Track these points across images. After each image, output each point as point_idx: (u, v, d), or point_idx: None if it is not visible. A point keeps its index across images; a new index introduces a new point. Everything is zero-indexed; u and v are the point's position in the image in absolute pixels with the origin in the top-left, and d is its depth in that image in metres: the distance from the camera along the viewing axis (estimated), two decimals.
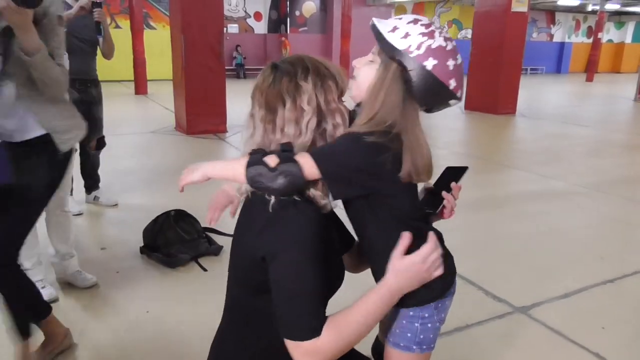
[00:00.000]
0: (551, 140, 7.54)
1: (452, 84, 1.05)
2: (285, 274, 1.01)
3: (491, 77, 9.64)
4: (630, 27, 24.94)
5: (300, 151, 1.03)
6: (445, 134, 7.90)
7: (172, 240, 3.11)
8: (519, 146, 7.42)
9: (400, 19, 1.07)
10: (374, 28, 1.07)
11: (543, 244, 3.48)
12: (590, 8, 21.50)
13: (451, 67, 1.04)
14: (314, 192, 1.05)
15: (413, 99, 1.06)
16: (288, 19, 17.57)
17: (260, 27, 17.81)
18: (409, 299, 1.12)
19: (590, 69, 19.38)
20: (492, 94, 9.70)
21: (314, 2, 17.92)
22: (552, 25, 23.80)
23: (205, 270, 2.92)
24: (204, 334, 2.27)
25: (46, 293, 2.51)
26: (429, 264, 1.08)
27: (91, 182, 4.03)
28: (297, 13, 17.75)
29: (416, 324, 1.18)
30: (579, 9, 22.54)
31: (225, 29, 9.34)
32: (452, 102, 1.10)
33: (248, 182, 1.03)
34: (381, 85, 1.05)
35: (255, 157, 1.02)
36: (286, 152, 1.02)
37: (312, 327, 1.00)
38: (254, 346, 1.16)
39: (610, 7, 19.99)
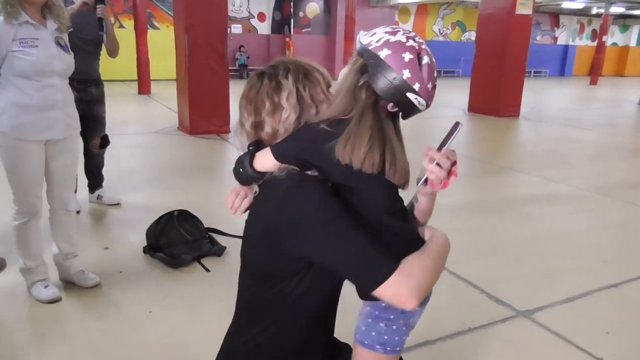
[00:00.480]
0: (555, 143, 7.53)
1: (406, 74, 1.05)
2: (329, 238, 1.03)
3: (495, 79, 9.63)
4: (635, 31, 24.90)
5: None
6: None
7: (175, 240, 3.11)
8: (522, 149, 7.41)
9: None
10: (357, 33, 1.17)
11: (546, 248, 3.47)
12: (595, 11, 21.47)
13: (406, 59, 1.06)
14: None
15: (371, 90, 1.08)
16: (292, 20, 17.58)
17: (264, 28, 17.83)
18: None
19: (594, 72, 19.33)
20: (496, 97, 9.68)
21: (318, 3, 17.92)
22: (556, 28, 23.77)
23: (208, 270, 2.92)
24: (207, 335, 2.27)
25: (49, 292, 2.52)
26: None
27: (95, 181, 4.02)
28: (301, 14, 17.76)
29: (381, 324, 1.20)
30: (584, 12, 22.50)
31: (228, 29, 9.34)
32: (412, 96, 1.07)
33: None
34: (344, 77, 1.12)
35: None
36: (251, 148, 1.14)
37: (386, 263, 1.02)
38: (265, 345, 1.16)
39: (615, 10, 19.96)
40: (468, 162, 6.29)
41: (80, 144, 3.48)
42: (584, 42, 24.59)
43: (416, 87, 1.06)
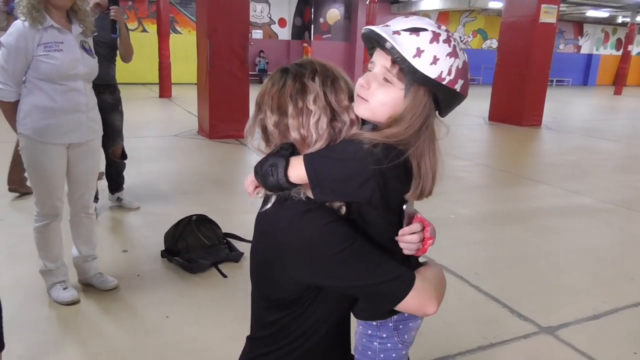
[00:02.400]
0: (578, 154, 7.39)
1: (468, 90, 1.05)
2: (345, 264, 1.00)
3: (517, 88, 9.51)
4: None
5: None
6: (468, 145, 7.80)
7: (193, 245, 3.11)
8: (544, 159, 7.28)
9: (415, 33, 0.97)
10: (384, 43, 0.97)
11: (570, 262, 3.38)
12: (620, 20, 21.12)
13: (469, 78, 1.03)
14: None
15: (435, 117, 1.04)
16: (312, 26, 17.64)
17: (285, 34, 17.92)
18: (362, 312, 1.14)
19: (618, 82, 19.00)
20: (518, 106, 9.56)
21: (339, 9, 17.96)
22: (579, 37, 23.44)
23: (225, 276, 2.90)
24: (223, 341, 2.26)
25: (68, 294, 2.53)
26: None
27: (115, 184, 4.02)
28: (321, 20, 17.81)
29: (375, 343, 1.16)
30: (609, 21, 22.16)
31: (250, 34, 9.39)
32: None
33: (254, 169, 1.05)
34: (410, 112, 0.99)
35: (272, 150, 1.05)
36: (286, 150, 1.02)
37: (404, 277, 1.02)
38: None
39: None
40: (489, 172, 6.20)
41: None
42: (608, 51, 24.19)
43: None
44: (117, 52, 3.63)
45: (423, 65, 0.96)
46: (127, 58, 3.59)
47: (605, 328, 2.56)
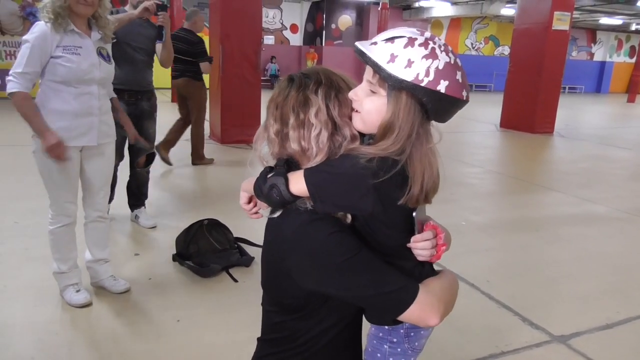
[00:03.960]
0: (590, 161, 7.32)
1: (465, 93, 1.01)
2: (349, 274, 1.00)
3: (529, 95, 9.46)
4: None
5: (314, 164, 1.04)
6: (480, 151, 7.77)
7: (204, 249, 3.12)
8: (556, 167, 7.22)
9: (391, 41, 0.99)
10: (365, 57, 1.00)
11: (583, 270, 3.35)
12: (634, 27, 20.95)
13: (461, 80, 1.00)
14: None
15: (427, 121, 1.03)
16: (324, 32, 17.70)
17: (296, 39, 18.01)
18: (373, 317, 1.16)
19: (632, 90, 18.83)
20: (530, 113, 9.50)
21: (350, 15, 18.01)
22: (592, 44, 23.28)
23: (236, 281, 2.91)
24: (234, 345, 2.27)
25: (81, 297, 2.55)
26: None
27: (134, 199, 3.81)
28: (333, 26, 17.86)
29: (385, 346, 1.17)
30: (622, 28, 21.98)
31: (262, 40, 9.44)
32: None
33: (255, 192, 1.10)
34: (395, 119, 0.99)
35: (264, 170, 1.07)
36: (281, 167, 1.05)
37: (411, 286, 1.02)
38: None
39: None
40: (501, 179, 6.17)
41: (123, 155, 3.47)
42: (621, 58, 23.99)
43: (467, 97, 1.03)
44: (154, 57, 3.62)
45: (397, 70, 0.97)
46: (167, 63, 3.61)
47: (618, 338, 2.53)
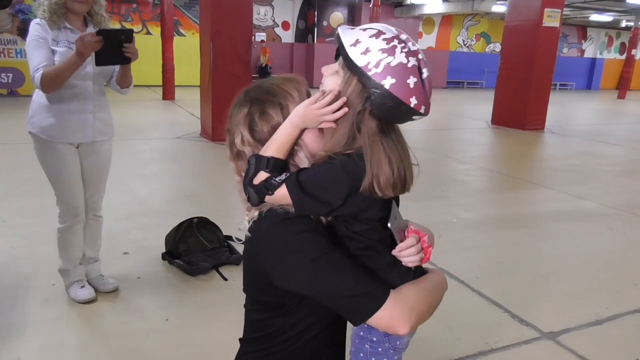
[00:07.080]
0: (581, 158, 7.36)
1: (413, 101, 0.99)
2: (318, 274, 0.99)
3: (520, 92, 9.50)
4: None
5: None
6: (471, 148, 7.79)
7: (194, 248, 3.10)
8: (547, 164, 7.26)
9: (364, 30, 1.02)
10: (338, 38, 1.03)
11: (572, 267, 3.37)
12: (624, 24, 21.09)
13: (412, 85, 0.98)
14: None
15: (372, 115, 1.01)
16: (315, 29, 17.67)
17: (288, 37, 17.96)
18: None
19: (622, 86, 18.97)
20: (521, 109, 9.54)
21: (342, 12, 17.99)
22: (583, 41, 23.42)
23: (225, 279, 2.90)
24: (223, 343, 2.25)
25: (85, 293, 2.59)
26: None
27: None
28: (325, 23, 17.83)
29: (366, 345, 1.17)
30: (612, 25, 22.13)
31: (252, 37, 9.41)
32: (415, 117, 1.03)
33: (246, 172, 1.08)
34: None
35: (270, 162, 1.05)
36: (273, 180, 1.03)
37: (380, 292, 0.99)
38: None
39: None
40: (492, 175, 6.19)
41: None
42: (612, 55, 24.15)
43: (422, 110, 1.01)
44: None
45: (355, 54, 0.99)
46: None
47: (607, 334, 2.55)
